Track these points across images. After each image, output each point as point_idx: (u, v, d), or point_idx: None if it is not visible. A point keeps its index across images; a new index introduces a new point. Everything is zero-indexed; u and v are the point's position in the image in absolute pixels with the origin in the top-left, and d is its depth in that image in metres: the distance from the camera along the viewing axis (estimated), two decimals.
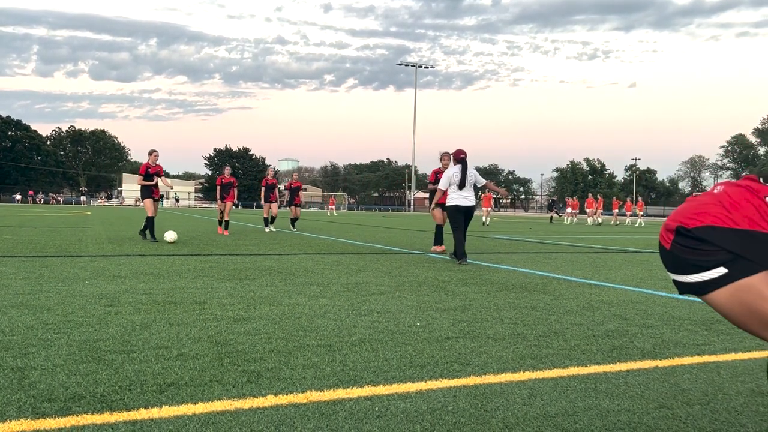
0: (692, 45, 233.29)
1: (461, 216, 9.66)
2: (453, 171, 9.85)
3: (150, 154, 13.26)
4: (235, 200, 16.01)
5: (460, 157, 9.91)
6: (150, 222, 12.94)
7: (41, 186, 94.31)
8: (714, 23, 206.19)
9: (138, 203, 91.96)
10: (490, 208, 30.94)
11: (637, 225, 34.17)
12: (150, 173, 13.03)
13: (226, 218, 16.08)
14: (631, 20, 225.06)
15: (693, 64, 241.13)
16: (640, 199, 38.53)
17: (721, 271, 1.89)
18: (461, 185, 9.70)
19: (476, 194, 10.43)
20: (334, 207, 54.37)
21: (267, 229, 17.87)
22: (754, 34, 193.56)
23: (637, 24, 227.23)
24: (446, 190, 10.00)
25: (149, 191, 13.03)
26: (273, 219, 18.31)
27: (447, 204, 9.99)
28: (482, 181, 10.05)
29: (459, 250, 9.42)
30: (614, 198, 44.84)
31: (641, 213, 36.04)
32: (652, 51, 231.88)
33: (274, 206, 18.17)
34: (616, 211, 37.61)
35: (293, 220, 19.55)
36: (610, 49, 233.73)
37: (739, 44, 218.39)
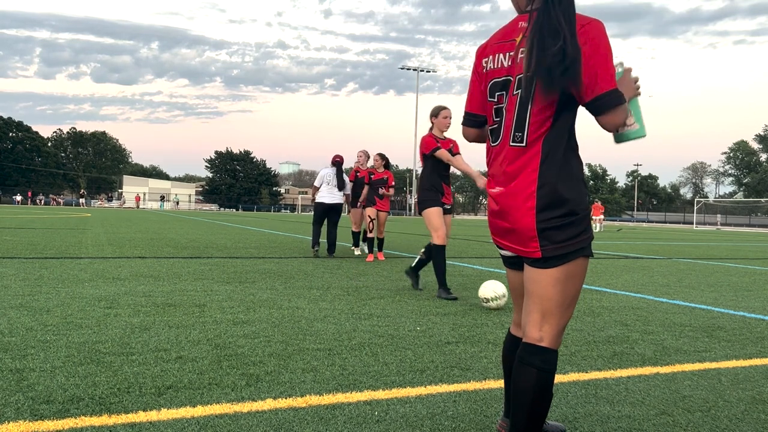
0: (690, 52, 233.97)
1: (325, 212, 10.98)
2: (327, 171, 11.13)
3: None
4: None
5: (335, 161, 11.20)
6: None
7: (42, 188, 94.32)
8: (711, 31, 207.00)
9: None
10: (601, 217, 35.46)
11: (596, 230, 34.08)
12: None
13: (378, 235, 10.84)
14: (629, 27, 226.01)
15: (691, 71, 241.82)
16: (596, 201, 37.74)
17: None
18: (339, 186, 10.97)
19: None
20: None
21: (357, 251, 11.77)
22: (751, 42, 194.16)
23: (635, 31, 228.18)
24: (320, 187, 11.09)
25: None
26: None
27: (317, 200, 11.06)
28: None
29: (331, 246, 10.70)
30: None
31: (599, 218, 35.76)
32: (651, 58, 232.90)
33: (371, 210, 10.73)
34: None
35: None
36: None
37: (736, 52, 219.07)
